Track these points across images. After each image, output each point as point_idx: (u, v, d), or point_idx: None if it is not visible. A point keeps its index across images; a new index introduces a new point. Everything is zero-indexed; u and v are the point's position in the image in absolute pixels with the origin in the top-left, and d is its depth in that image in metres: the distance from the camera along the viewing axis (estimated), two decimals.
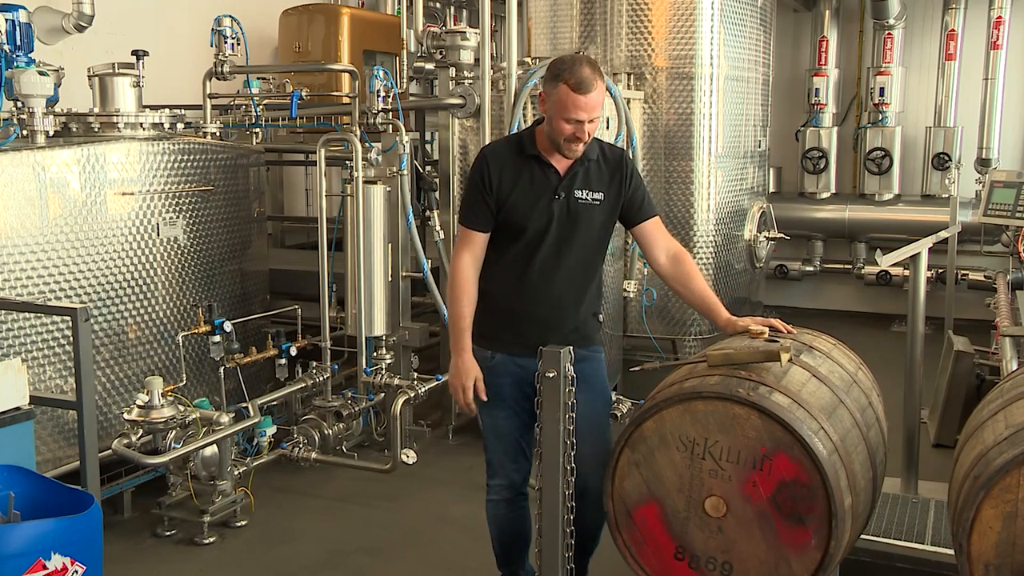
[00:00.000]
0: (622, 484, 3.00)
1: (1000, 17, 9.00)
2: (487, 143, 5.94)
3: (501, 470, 3.58)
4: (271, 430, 5.32)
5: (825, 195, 9.92)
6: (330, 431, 5.61)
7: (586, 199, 3.40)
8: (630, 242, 6.16)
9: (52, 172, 4.72)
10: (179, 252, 5.41)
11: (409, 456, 5.51)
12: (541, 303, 3.42)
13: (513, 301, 3.42)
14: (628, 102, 6.56)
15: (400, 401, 5.49)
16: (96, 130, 5.21)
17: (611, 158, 3.48)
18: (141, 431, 4.57)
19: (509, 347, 3.43)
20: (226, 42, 6.61)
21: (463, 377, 3.41)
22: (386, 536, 4.87)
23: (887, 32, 9.51)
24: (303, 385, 5.68)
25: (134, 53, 5.48)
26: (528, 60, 6.45)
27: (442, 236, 6.16)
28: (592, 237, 3.45)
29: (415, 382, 5.78)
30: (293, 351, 5.65)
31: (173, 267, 5.37)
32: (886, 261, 3.95)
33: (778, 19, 8.38)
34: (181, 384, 5.01)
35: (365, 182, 5.68)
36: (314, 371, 5.77)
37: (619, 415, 5.97)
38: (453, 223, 6.35)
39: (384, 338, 5.88)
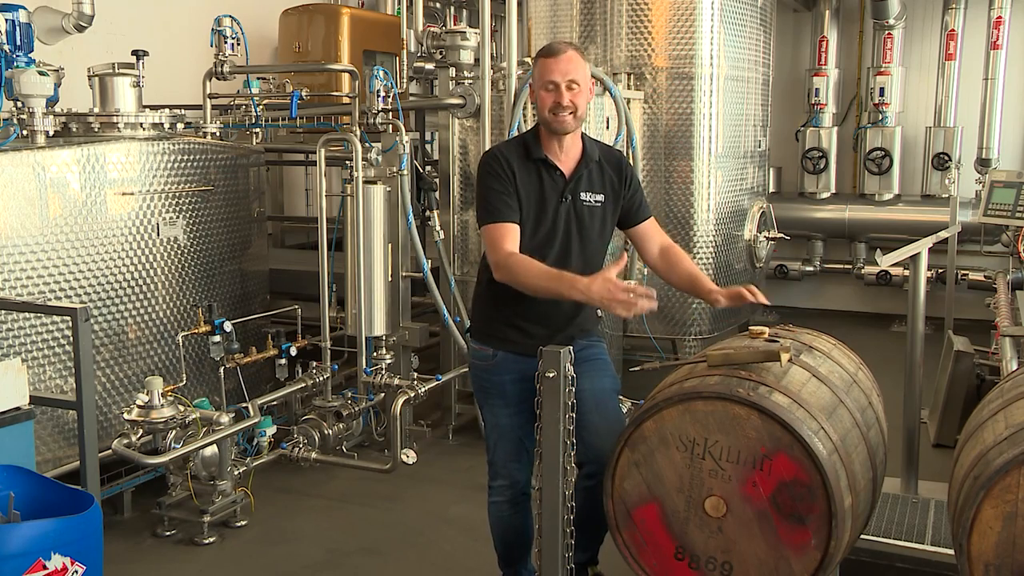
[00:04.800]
0: (622, 484, 3.00)
1: (1000, 17, 9.00)
2: (489, 146, 5.97)
3: (504, 470, 3.59)
4: (271, 430, 5.32)
5: (825, 195, 9.92)
6: (330, 431, 5.60)
7: (590, 201, 3.45)
8: (630, 242, 6.16)
9: (52, 172, 4.72)
10: (179, 252, 5.40)
11: (409, 456, 5.51)
12: (549, 303, 3.41)
13: (521, 301, 3.40)
14: (628, 102, 6.56)
15: (400, 401, 5.49)
16: (96, 130, 5.21)
17: (611, 160, 3.54)
18: (141, 431, 4.57)
19: (513, 346, 3.44)
20: (226, 42, 6.60)
21: (613, 289, 3.00)
22: (386, 536, 4.87)
23: (887, 32, 9.51)
24: (303, 385, 5.68)
25: (134, 53, 5.48)
26: (528, 60, 6.43)
27: (442, 236, 6.16)
28: (595, 238, 3.49)
29: (415, 382, 5.77)
30: (293, 351, 5.65)
31: (173, 267, 5.37)
32: (886, 261, 3.95)
33: (778, 19, 8.38)
34: (181, 384, 5.01)
35: (365, 182, 5.68)
36: (314, 371, 5.77)
37: None
38: (453, 223, 6.35)
39: (384, 338, 5.88)
